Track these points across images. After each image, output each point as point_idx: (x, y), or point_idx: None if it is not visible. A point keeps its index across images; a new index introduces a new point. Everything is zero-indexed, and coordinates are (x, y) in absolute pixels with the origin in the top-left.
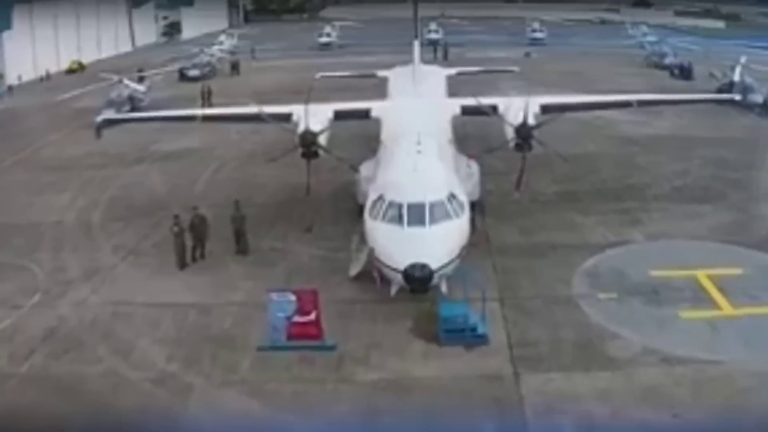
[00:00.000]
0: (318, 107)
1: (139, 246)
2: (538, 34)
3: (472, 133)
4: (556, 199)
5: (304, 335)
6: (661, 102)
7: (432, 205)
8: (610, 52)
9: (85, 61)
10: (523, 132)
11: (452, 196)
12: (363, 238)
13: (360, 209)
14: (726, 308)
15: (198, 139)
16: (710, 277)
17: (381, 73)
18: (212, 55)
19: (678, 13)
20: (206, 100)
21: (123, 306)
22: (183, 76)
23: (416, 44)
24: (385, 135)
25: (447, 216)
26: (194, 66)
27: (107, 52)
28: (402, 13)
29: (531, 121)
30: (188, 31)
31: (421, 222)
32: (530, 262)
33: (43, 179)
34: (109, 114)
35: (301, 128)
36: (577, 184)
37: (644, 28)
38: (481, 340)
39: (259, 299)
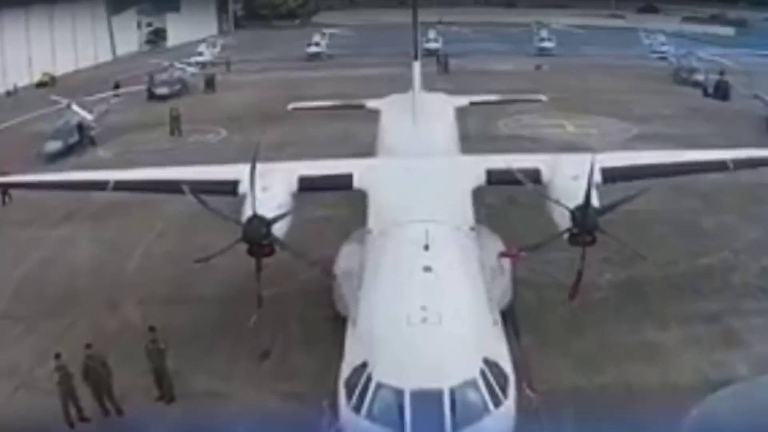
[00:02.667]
0: (274, 172)
1: (35, 373)
2: (547, 44)
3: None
4: (614, 295)
5: None
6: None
7: (455, 394)
8: (627, 65)
9: (60, 72)
10: (585, 219)
11: (488, 366)
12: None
13: (342, 322)
14: None
15: None
16: None
17: (371, 103)
18: (184, 70)
19: (686, 19)
20: (174, 125)
21: None
22: (151, 95)
23: (416, 66)
24: (374, 219)
25: (483, 409)
26: (163, 83)
27: (85, 62)
28: (398, 18)
29: (595, 201)
30: (174, 39)
31: (437, 429)
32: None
33: None
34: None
35: (246, 212)
36: (637, 266)
37: (661, 38)
38: None
39: None
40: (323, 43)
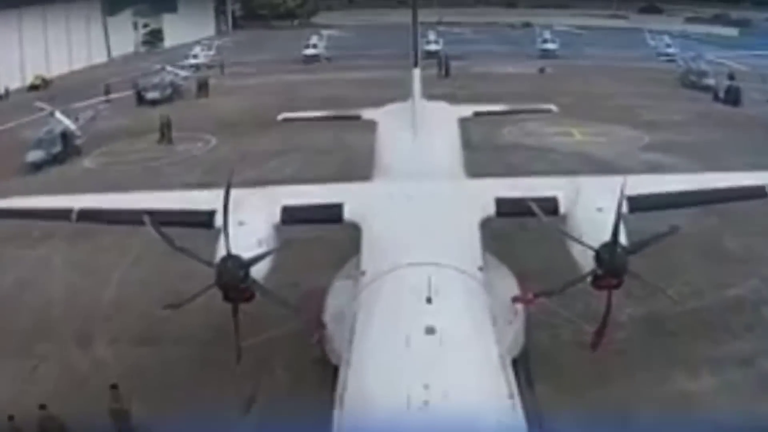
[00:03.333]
0: (254, 201)
1: None
2: (550, 45)
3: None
4: (638, 334)
5: None
6: None
7: None
8: (633, 67)
9: (55, 73)
10: (612, 261)
11: None
12: None
13: (334, 371)
14: None
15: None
16: None
17: (368, 114)
18: (176, 74)
19: (689, 20)
20: (164, 133)
21: None
22: (141, 100)
23: (416, 74)
24: (368, 258)
25: None
26: (154, 87)
27: (79, 63)
28: (398, 18)
29: (623, 239)
30: (171, 39)
31: None
32: None
33: None
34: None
35: (220, 251)
36: (660, 299)
37: (667, 39)
38: None
39: None
40: (321, 44)
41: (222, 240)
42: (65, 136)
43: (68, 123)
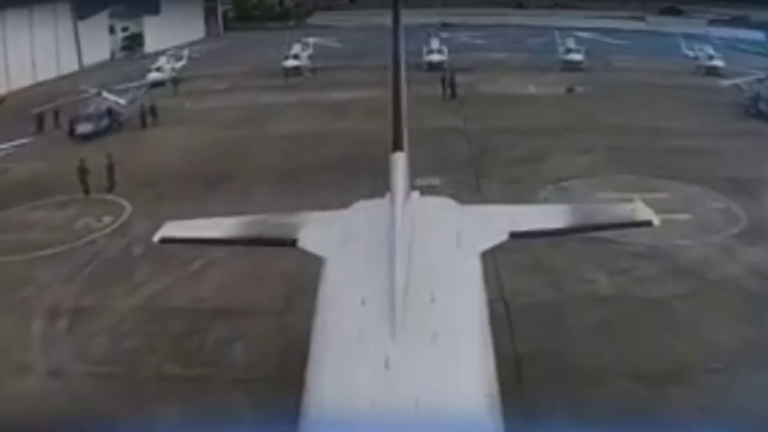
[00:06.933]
0: None
1: None
2: (575, 56)
3: None
4: None
5: None
6: None
7: None
8: (674, 85)
9: (16, 86)
10: None
11: None
12: None
13: None
14: None
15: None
16: None
17: (309, 233)
18: (116, 102)
19: (713, 22)
20: (86, 182)
21: None
22: (73, 133)
23: (399, 162)
24: None
25: None
26: (87, 118)
27: (46, 74)
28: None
29: None
30: (152, 44)
31: None
32: None
33: None
34: None
35: None
36: None
37: (709, 49)
38: None
39: None
40: (305, 55)
41: None
42: None
43: None
